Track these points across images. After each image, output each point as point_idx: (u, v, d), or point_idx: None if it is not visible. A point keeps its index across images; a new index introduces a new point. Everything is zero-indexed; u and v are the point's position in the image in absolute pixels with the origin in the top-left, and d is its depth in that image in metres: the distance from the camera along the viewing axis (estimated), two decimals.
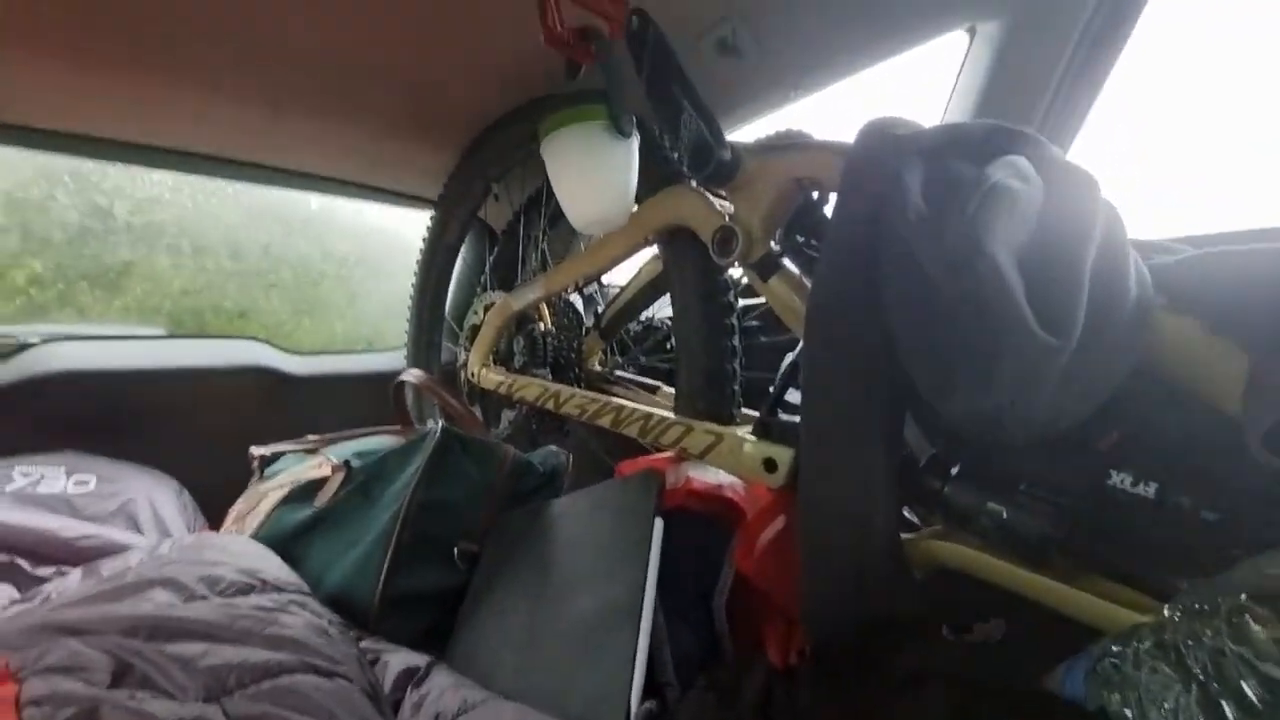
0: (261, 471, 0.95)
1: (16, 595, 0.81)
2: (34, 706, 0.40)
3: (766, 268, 0.65)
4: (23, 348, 1.10)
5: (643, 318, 1.08)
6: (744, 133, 1.12)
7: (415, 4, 0.77)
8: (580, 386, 0.95)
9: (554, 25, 0.64)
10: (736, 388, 0.75)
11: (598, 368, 1.04)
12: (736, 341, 0.76)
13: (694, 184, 0.72)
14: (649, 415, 0.71)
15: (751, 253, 0.66)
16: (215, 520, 1.04)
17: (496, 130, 1.04)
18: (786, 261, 0.66)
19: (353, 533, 0.73)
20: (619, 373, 1.03)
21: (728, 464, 0.64)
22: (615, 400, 0.78)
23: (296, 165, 1.19)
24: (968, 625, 0.57)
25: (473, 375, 1.06)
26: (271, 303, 1.83)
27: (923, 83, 1.04)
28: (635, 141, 0.69)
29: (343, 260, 1.93)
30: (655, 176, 0.75)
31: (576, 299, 1.10)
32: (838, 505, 0.51)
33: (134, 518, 0.97)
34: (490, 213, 1.24)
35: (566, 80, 0.69)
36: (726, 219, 0.67)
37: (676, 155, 0.75)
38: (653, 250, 0.89)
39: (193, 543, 0.77)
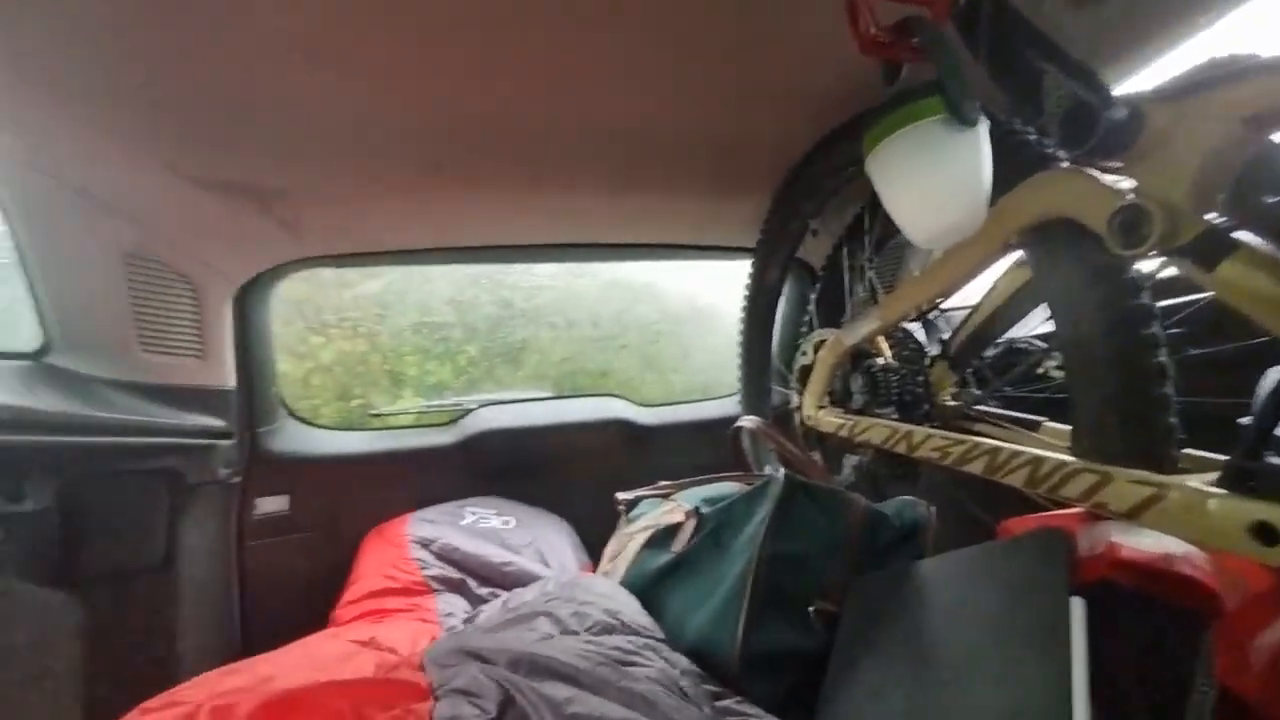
0: (626, 515, 1.06)
1: (468, 608, 1.05)
2: None
3: (1211, 250, 0.47)
4: (466, 412, 1.46)
5: (999, 340, 0.90)
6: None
7: (717, 68, 0.78)
8: (932, 425, 0.82)
9: (867, 29, 0.58)
10: (1173, 420, 0.55)
11: (951, 402, 0.89)
12: (1163, 357, 0.56)
13: (1068, 163, 0.57)
14: (1039, 460, 0.57)
15: (1179, 234, 0.48)
16: (591, 557, 1.20)
17: (805, 166, 1.01)
18: (1245, 235, 0.47)
19: (708, 582, 0.74)
20: (979, 407, 0.87)
21: (1180, 527, 0.46)
22: (987, 441, 0.64)
23: (633, 239, 1.35)
24: None
25: (808, 418, 1.02)
26: (623, 361, 2.12)
27: None
28: (983, 130, 0.58)
29: (675, 318, 2.14)
30: (1010, 167, 0.62)
31: (915, 327, 0.98)
32: None
33: (540, 553, 1.19)
34: (807, 249, 1.21)
35: (884, 85, 0.63)
36: (1129, 196, 0.51)
37: (1040, 134, 0.61)
38: (1008, 260, 0.74)
39: (570, 580, 0.89)
